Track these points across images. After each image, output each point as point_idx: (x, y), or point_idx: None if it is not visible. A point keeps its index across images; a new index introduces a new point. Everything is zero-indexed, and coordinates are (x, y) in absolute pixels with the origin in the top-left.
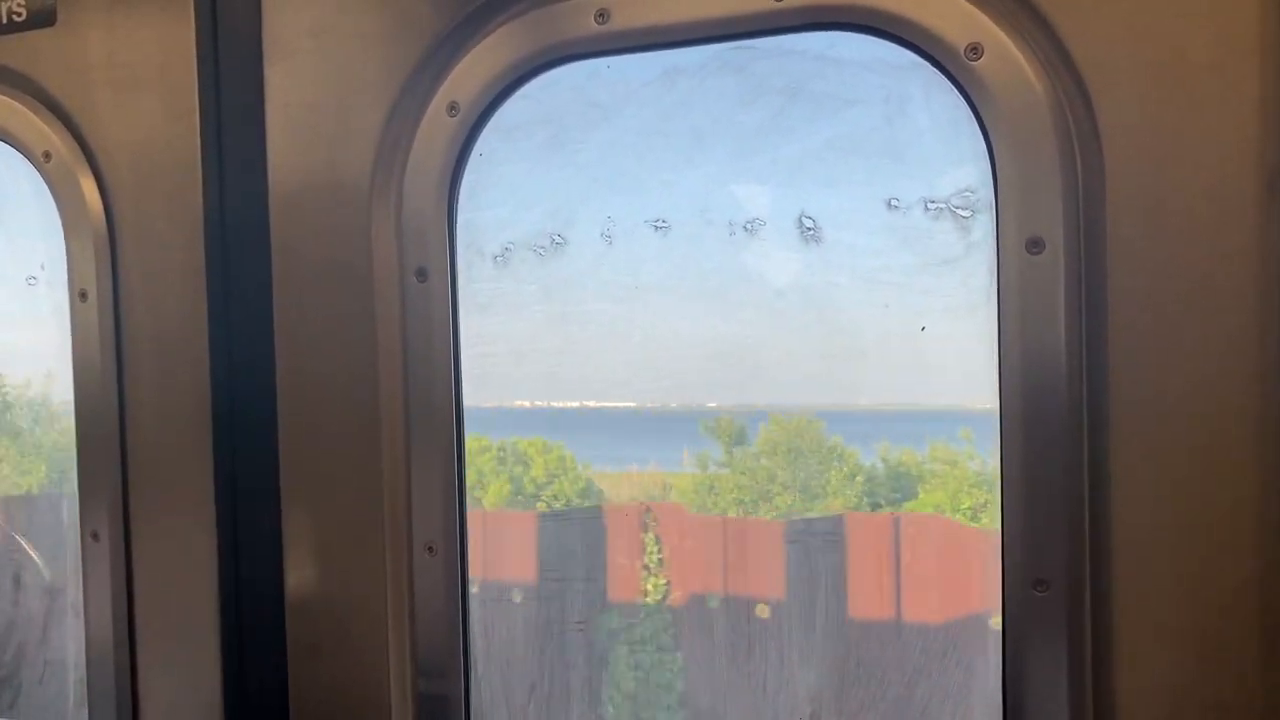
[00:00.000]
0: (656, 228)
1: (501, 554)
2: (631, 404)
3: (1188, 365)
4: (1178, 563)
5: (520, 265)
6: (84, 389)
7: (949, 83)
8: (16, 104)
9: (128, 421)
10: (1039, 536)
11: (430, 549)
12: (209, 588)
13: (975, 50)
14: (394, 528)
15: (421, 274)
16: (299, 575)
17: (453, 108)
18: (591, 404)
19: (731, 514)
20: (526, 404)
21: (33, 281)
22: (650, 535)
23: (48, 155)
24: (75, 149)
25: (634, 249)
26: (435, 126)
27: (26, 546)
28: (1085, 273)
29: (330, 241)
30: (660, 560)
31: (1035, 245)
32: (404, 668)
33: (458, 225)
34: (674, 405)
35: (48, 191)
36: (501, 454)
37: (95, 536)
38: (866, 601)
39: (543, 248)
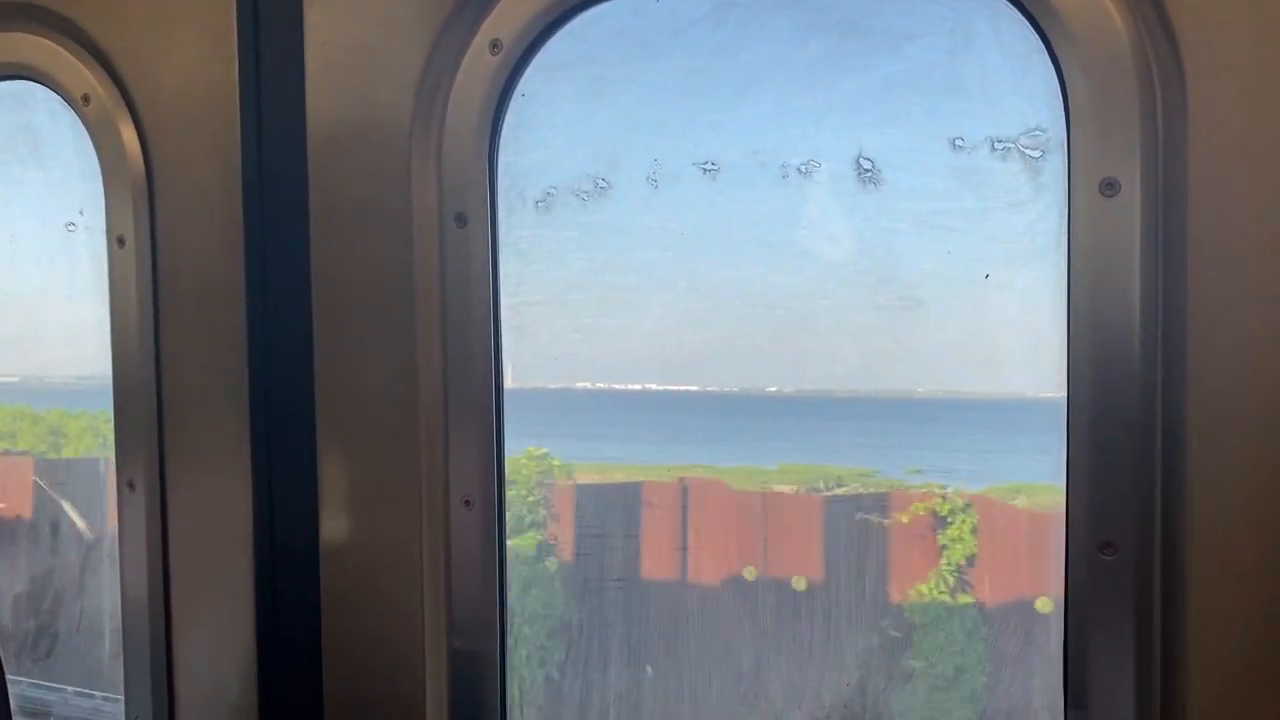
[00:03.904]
0: (705, 171)
1: None
2: (693, 387)
3: (1272, 318)
4: (1255, 528)
5: (562, 210)
6: (120, 335)
7: (1019, 13)
8: (57, 47)
9: (164, 369)
10: (1106, 497)
11: (467, 502)
12: (244, 537)
13: None
14: (430, 479)
15: (461, 219)
16: (334, 525)
17: (495, 45)
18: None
19: None
20: (588, 385)
21: (71, 227)
22: None
23: (87, 99)
24: (114, 92)
25: (680, 193)
26: (477, 65)
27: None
28: (1163, 218)
29: (369, 185)
30: None
31: (1110, 187)
32: (438, 622)
33: (499, 168)
34: (734, 390)
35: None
36: None
37: (131, 485)
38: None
39: (586, 192)
